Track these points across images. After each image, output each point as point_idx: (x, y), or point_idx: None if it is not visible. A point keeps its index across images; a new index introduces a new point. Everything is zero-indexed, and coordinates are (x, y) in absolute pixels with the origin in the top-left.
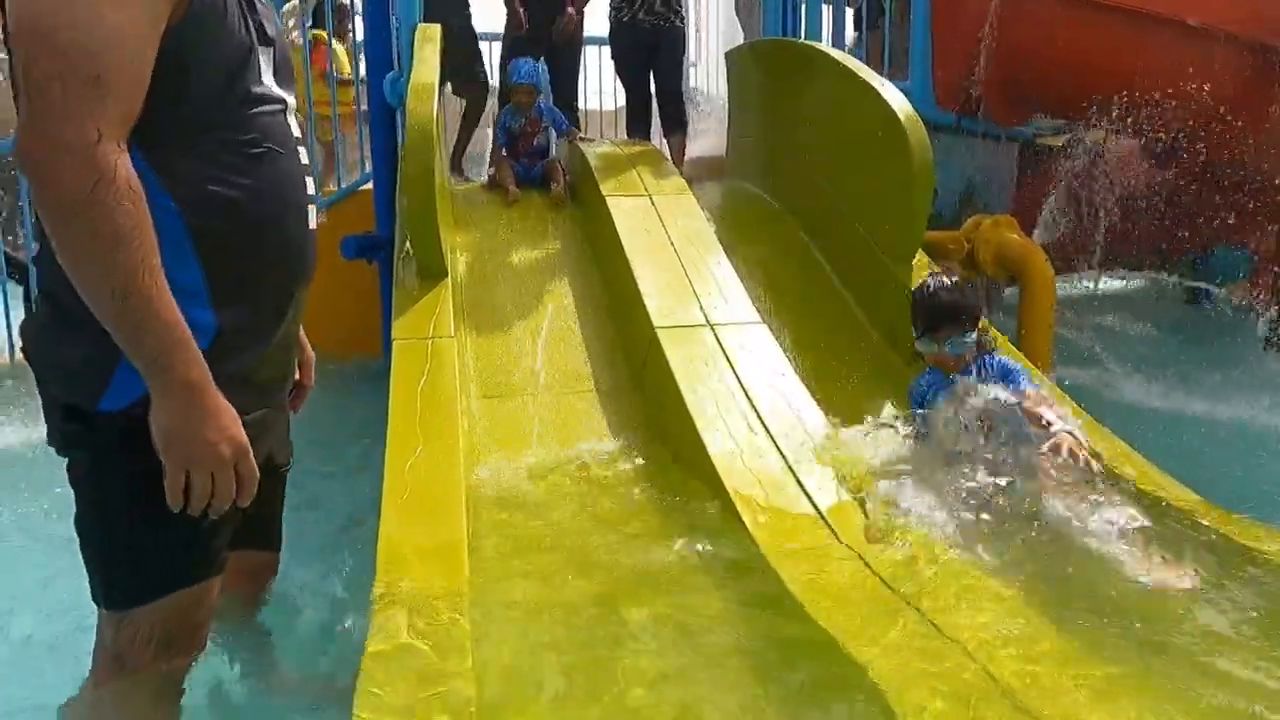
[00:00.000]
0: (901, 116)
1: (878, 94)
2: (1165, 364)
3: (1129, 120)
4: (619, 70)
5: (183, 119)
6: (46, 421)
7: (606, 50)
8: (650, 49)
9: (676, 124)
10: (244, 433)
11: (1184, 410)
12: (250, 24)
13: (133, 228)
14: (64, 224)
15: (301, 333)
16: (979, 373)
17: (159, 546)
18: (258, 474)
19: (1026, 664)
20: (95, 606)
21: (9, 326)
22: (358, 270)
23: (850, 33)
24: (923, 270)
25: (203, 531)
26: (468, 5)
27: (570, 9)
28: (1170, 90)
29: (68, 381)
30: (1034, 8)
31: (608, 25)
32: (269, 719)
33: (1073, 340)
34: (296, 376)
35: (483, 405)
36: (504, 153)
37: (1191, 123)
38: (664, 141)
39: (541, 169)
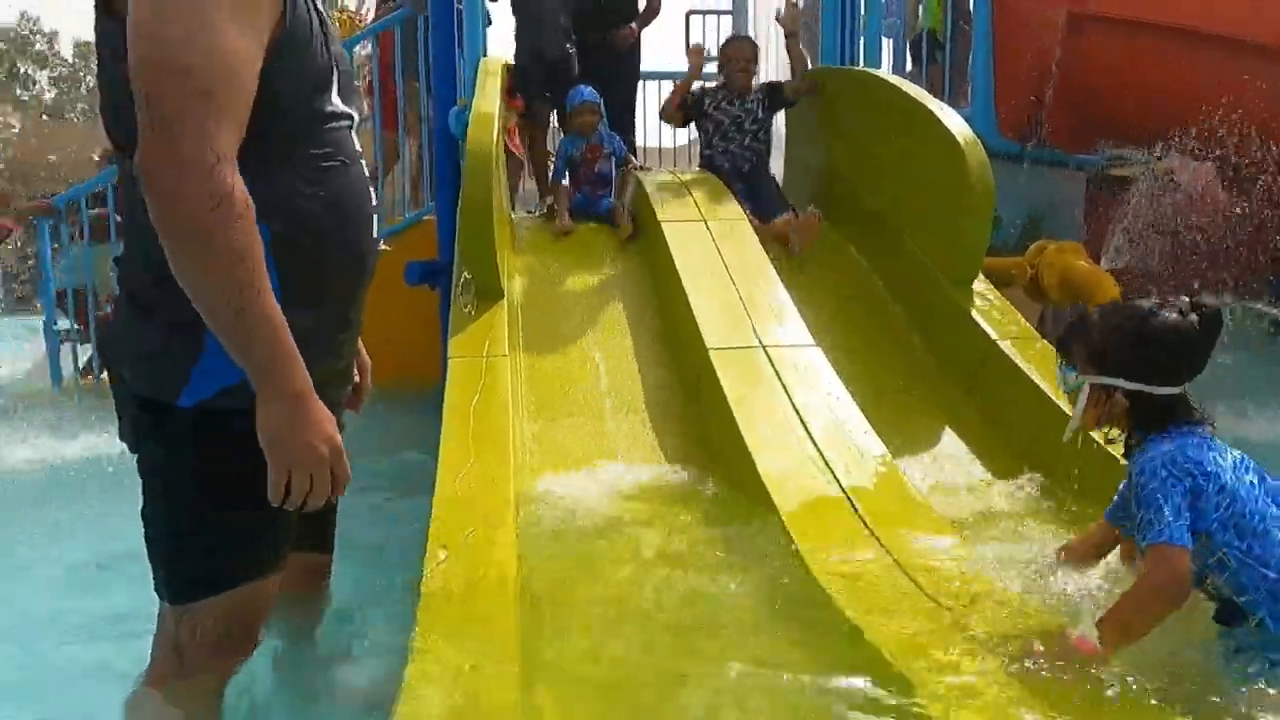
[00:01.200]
0: (961, 140)
1: (937, 118)
2: (1249, 393)
3: (1205, 145)
4: None
5: (269, 135)
6: (120, 416)
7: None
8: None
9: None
10: (339, 436)
11: (1275, 440)
12: (329, 46)
13: (247, 245)
14: (185, 241)
15: (359, 338)
16: None
17: (224, 541)
18: (350, 475)
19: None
20: (157, 599)
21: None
22: (419, 295)
23: (909, 65)
24: (984, 294)
25: (267, 528)
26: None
27: (631, 25)
28: (1246, 114)
29: (147, 376)
30: (1102, 34)
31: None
32: None
33: None
34: (355, 379)
35: (534, 424)
36: (564, 182)
37: (1274, 147)
38: None
39: (605, 204)
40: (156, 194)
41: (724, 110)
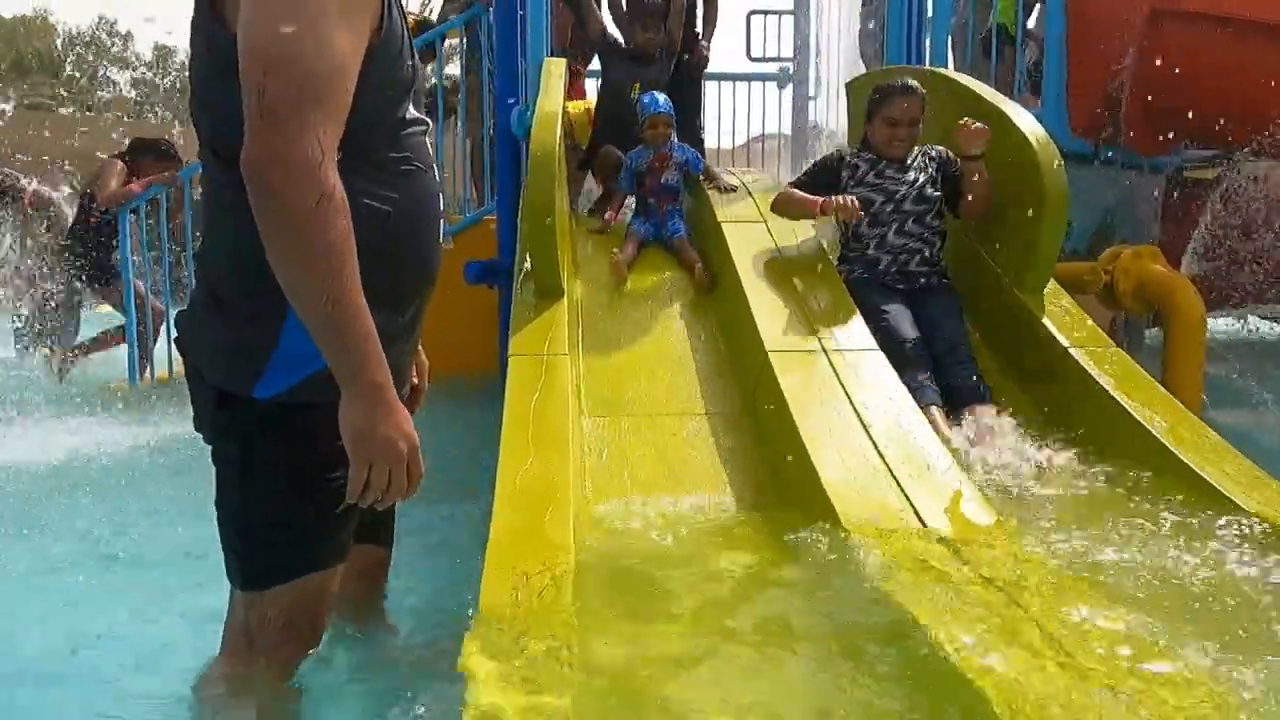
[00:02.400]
0: (1033, 139)
1: (1007, 117)
2: None
3: None
4: None
5: (356, 137)
6: (195, 407)
7: (726, 86)
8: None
9: None
10: (415, 433)
11: None
12: (413, 55)
13: (344, 243)
14: (287, 235)
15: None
16: None
17: (295, 532)
18: (423, 472)
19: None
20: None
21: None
22: (479, 294)
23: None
24: (1056, 300)
25: (335, 520)
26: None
27: (701, 42)
28: None
29: (223, 369)
30: (1182, 30)
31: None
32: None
33: (1227, 381)
34: (414, 381)
35: (593, 424)
36: (629, 199)
37: None
38: None
39: (675, 228)
40: (261, 188)
41: (882, 183)
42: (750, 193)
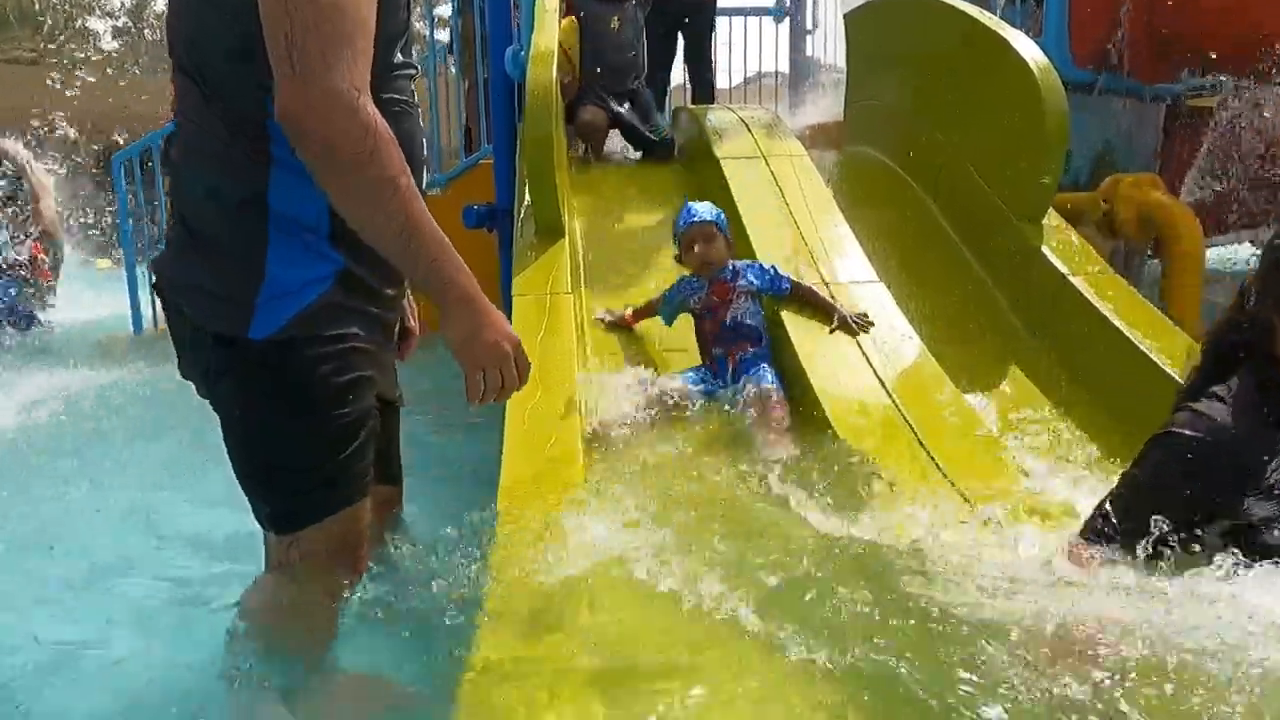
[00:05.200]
0: (1033, 65)
1: (1008, 44)
2: None
3: None
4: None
5: None
6: (183, 353)
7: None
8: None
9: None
10: (513, 331)
11: None
12: (409, 2)
13: (401, 170)
14: (343, 177)
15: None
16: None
17: (314, 473)
18: (530, 363)
19: None
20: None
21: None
22: (478, 240)
23: None
24: (1055, 232)
25: (352, 454)
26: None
27: None
28: None
29: (212, 312)
30: None
31: None
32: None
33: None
34: (410, 324)
35: (596, 362)
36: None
37: None
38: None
39: (760, 373)
40: (307, 133)
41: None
42: (748, 127)
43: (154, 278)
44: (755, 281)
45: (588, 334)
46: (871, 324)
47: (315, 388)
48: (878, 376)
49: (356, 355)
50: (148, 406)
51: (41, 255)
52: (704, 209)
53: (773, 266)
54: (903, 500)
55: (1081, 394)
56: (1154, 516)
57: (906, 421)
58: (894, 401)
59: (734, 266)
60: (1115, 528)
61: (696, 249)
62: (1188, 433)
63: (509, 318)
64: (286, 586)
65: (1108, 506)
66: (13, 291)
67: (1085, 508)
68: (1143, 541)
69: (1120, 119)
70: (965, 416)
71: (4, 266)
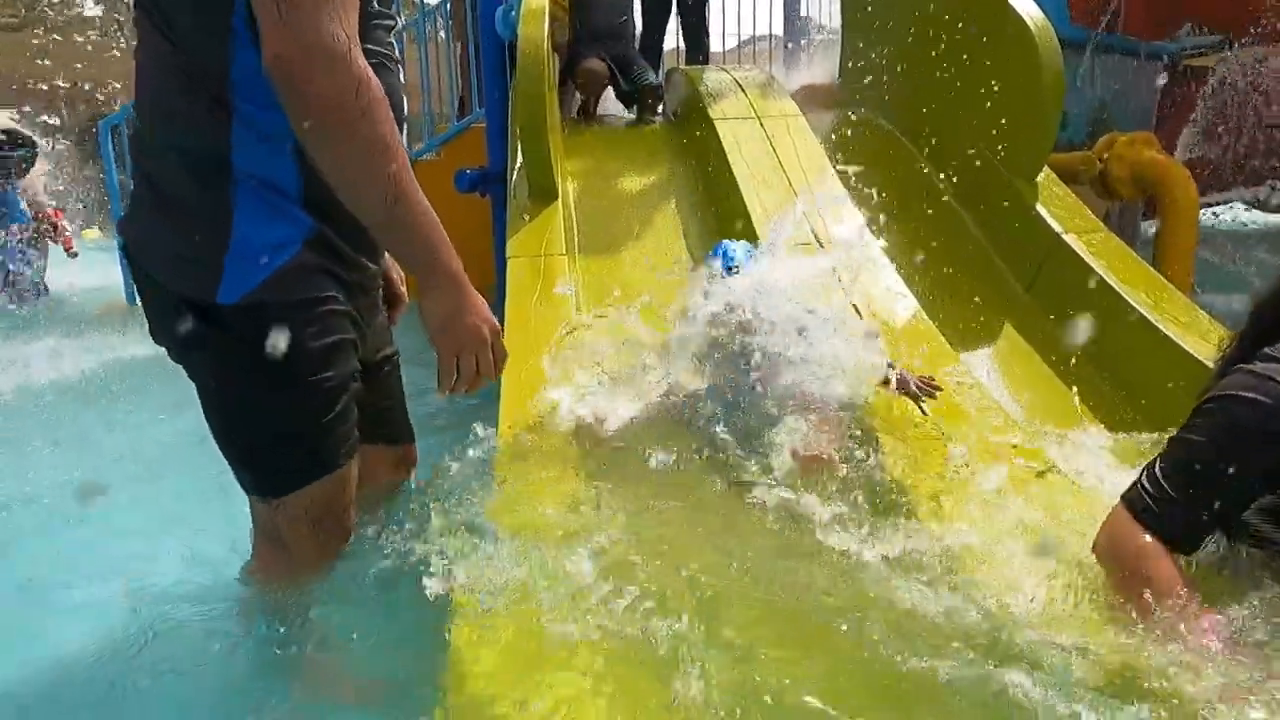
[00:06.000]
0: (1031, 23)
1: (1005, 1)
2: None
3: None
4: None
5: None
6: (153, 318)
7: None
8: None
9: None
10: (494, 316)
11: None
12: None
13: (391, 132)
14: (332, 132)
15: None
16: None
17: (293, 440)
18: (508, 353)
19: None
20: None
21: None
22: (471, 205)
23: None
24: (1051, 190)
25: (332, 419)
26: None
27: None
28: None
29: (181, 276)
30: None
31: None
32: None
33: (1218, 265)
34: (399, 290)
35: (591, 323)
36: None
37: None
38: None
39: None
40: (294, 86)
41: None
42: (743, 88)
43: (120, 239)
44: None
45: (581, 297)
46: (939, 389)
47: (291, 356)
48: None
49: (334, 318)
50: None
51: (63, 222)
52: (735, 249)
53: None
54: (899, 453)
55: (1075, 351)
56: (1223, 482)
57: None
58: (886, 358)
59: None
60: (1171, 500)
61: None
62: (1254, 396)
63: (504, 280)
64: (273, 552)
65: (1160, 476)
66: (42, 263)
67: (1065, 459)
68: (1206, 522)
69: (1118, 78)
70: (959, 373)
71: (35, 237)
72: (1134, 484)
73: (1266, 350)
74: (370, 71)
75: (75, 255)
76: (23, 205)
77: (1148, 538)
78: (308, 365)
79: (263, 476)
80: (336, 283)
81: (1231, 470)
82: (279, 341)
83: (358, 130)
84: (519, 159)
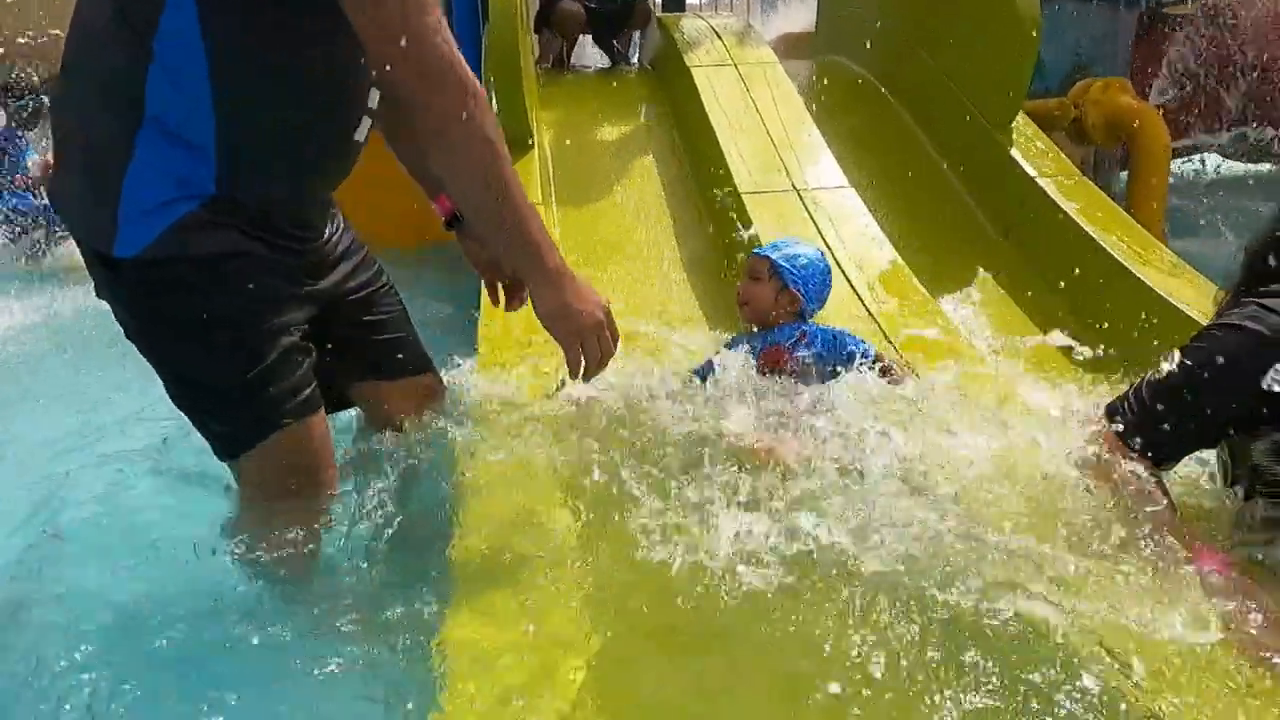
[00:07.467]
0: None
1: None
2: None
3: None
4: None
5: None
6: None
7: None
8: None
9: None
10: (600, 297)
11: None
12: None
13: (496, 131)
14: (448, 142)
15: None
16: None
17: (229, 394)
18: (619, 331)
19: None
20: None
21: None
22: None
23: None
24: (1025, 137)
25: (271, 371)
26: None
27: None
28: None
29: (85, 225)
30: None
31: None
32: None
33: (1190, 211)
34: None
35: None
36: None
37: None
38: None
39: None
40: (413, 100)
41: None
42: (719, 35)
43: (49, 199)
44: (823, 354)
45: (559, 248)
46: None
47: (198, 313)
48: (847, 279)
49: (249, 274)
50: None
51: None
52: (773, 244)
53: (860, 341)
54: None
55: (1050, 294)
56: (1209, 411)
57: (875, 322)
58: (863, 304)
59: (798, 330)
60: (1156, 416)
61: (738, 286)
62: (1254, 326)
63: None
64: (249, 514)
65: (1147, 395)
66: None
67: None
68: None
69: (1095, 25)
70: (933, 317)
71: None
72: (1120, 396)
73: (1263, 289)
74: (470, 73)
75: None
76: (34, 156)
77: (1128, 449)
78: (217, 323)
79: (210, 437)
80: (250, 239)
81: (1217, 392)
82: (181, 298)
83: (473, 134)
84: (493, 107)
